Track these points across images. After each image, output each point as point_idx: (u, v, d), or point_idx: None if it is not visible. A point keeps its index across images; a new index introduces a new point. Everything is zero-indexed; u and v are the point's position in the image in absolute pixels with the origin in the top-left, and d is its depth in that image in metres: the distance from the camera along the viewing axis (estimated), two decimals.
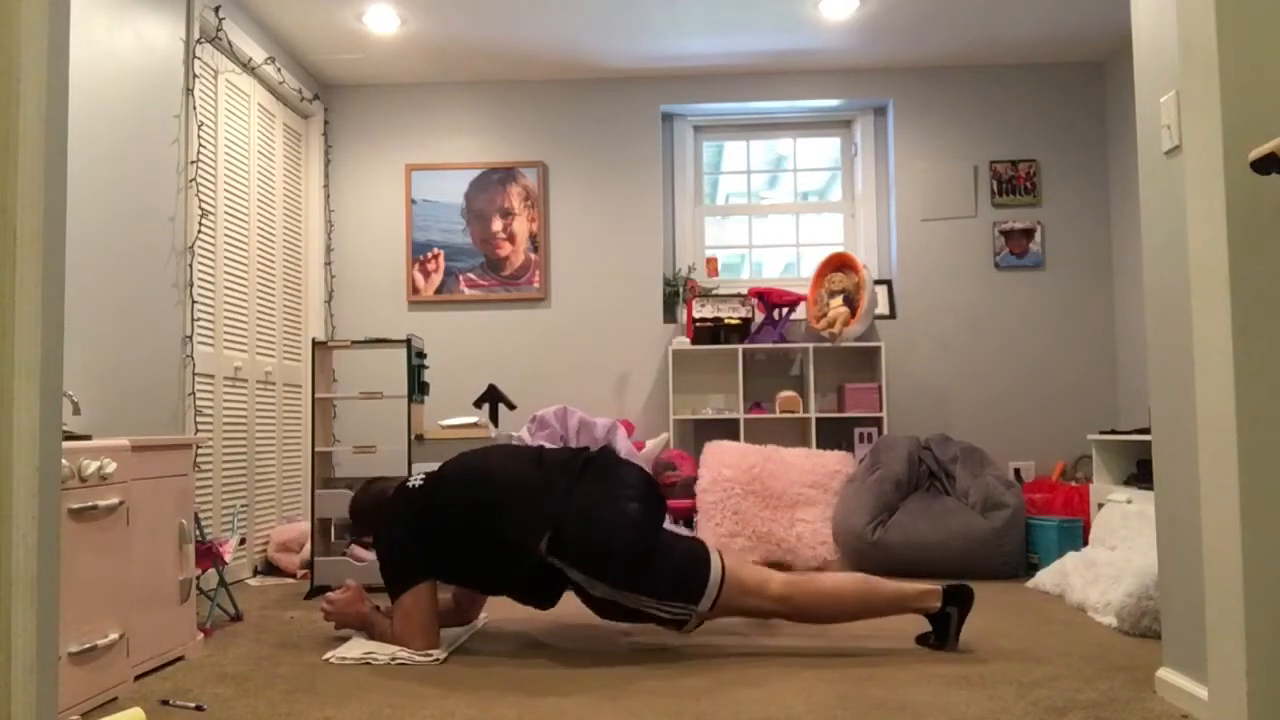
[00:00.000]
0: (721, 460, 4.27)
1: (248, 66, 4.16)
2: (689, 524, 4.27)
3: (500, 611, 3.17)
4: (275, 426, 4.35)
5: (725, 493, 4.13)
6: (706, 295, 4.70)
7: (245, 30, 4.03)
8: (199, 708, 2.11)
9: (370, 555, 3.68)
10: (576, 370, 4.85)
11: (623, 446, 4.17)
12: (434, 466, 2.79)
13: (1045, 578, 3.44)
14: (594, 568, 2.47)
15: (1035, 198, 4.86)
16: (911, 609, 2.59)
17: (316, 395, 3.70)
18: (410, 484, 2.72)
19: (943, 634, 2.62)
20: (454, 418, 3.84)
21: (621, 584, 2.46)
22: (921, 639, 2.68)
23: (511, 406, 4.13)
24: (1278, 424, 1.38)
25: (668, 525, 2.76)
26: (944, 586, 2.62)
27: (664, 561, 2.47)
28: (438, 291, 4.89)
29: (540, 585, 2.58)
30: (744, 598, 2.49)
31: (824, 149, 5.16)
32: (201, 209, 3.62)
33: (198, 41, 3.62)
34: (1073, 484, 4.25)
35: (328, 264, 4.88)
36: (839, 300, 4.64)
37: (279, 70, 4.33)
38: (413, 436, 3.62)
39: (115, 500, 2.25)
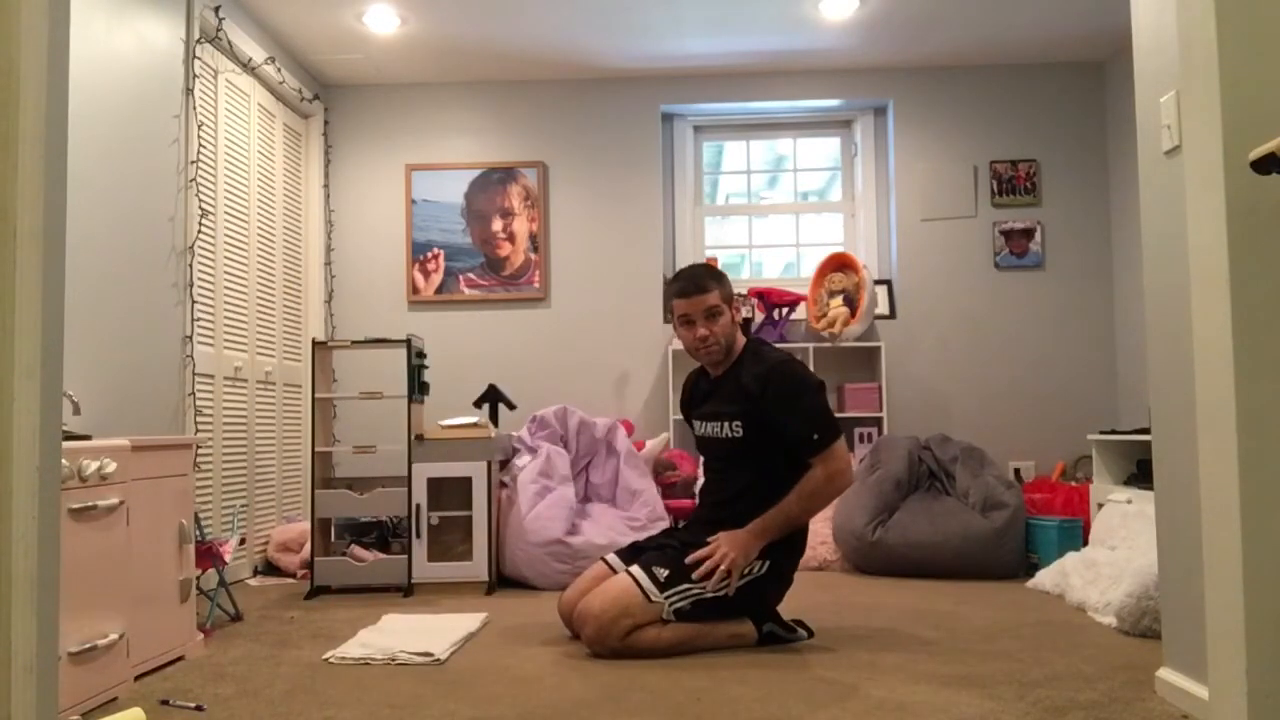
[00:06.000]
0: None
1: (248, 66, 4.15)
2: None
3: (500, 612, 3.17)
4: (275, 426, 4.35)
5: None
6: None
7: (245, 30, 4.03)
8: (199, 708, 2.11)
9: (369, 555, 3.69)
10: (576, 370, 4.85)
11: (622, 447, 4.17)
12: None
13: (1045, 578, 3.44)
14: None
15: (1035, 198, 4.86)
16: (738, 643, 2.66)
17: (316, 395, 3.70)
18: None
19: (789, 632, 2.68)
20: (454, 418, 3.83)
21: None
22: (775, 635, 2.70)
23: (511, 406, 4.13)
24: (1278, 424, 1.37)
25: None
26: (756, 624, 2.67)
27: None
28: (438, 291, 4.89)
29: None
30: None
31: (824, 149, 5.16)
32: (201, 209, 3.62)
33: (198, 41, 3.62)
34: (1073, 484, 4.25)
35: (328, 264, 4.88)
36: (839, 300, 4.64)
37: (279, 70, 4.33)
38: (413, 436, 3.62)
39: (115, 500, 2.25)
